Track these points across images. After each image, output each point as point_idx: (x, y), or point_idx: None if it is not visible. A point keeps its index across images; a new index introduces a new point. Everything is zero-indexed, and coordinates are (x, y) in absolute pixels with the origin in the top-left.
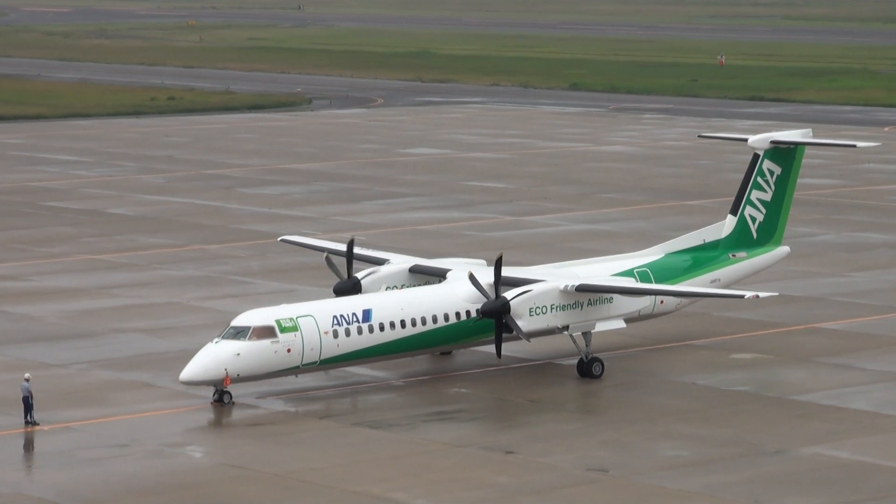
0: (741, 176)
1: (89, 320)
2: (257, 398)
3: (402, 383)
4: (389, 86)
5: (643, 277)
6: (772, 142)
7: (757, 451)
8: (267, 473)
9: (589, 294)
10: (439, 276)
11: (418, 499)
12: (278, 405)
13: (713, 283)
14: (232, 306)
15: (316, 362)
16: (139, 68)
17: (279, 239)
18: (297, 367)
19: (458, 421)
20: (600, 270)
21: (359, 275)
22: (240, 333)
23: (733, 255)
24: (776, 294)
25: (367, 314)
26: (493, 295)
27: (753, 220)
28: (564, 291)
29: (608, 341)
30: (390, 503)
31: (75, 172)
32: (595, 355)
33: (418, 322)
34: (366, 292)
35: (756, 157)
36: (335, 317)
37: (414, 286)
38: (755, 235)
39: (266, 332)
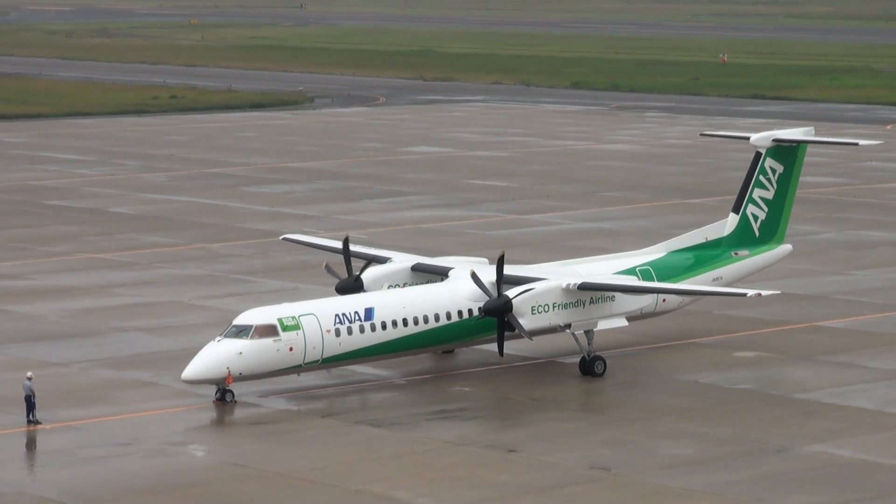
0: (743, 174)
1: (91, 319)
2: (259, 397)
3: (404, 382)
4: (391, 84)
5: (645, 276)
6: (774, 140)
7: (759, 450)
8: (269, 472)
9: (591, 292)
10: (441, 274)
11: (420, 497)
12: (280, 404)
13: (715, 281)
14: (234, 305)
15: (318, 361)
16: (141, 67)
17: (281, 237)
18: (300, 365)
19: (461, 419)
20: (602, 269)
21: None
22: (242, 332)
23: (735, 254)
24: (778, 292)
25: (369, 313)
26: (495, 293)
27: (756, 218)
28: (566, 290)
29: (610, 340)
30: (392, 502)
31: (77, 171)
32: (597, 354)
33: (420, 320)
34: (366, 283)
35: (758, 155)
36: (337, 315)
37: (416, 284)
38: (757, 234)
39: (268, 330)
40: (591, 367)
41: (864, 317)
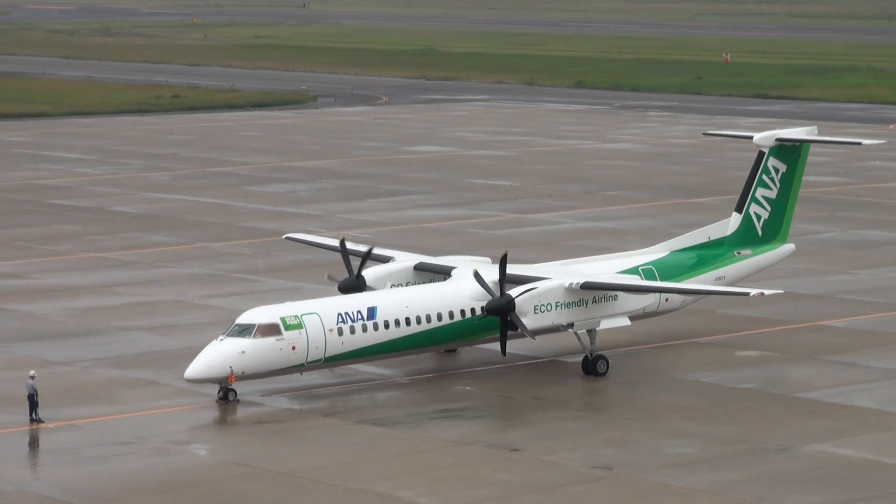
0: (746, 173)
1: (94, 318)
2: (262, 396)
3: (406, 381)
4: (394, 83)
5: (648, 275)
6: (777, 139)
7: (762, 449)
8: (271, 471)
9: (594, 292)
10: (444, 273)
11: (423, 497)
12: (283, 403)
13: (718, 280)
14: (237, 304)
15: (321, 360)
16: (144, 66)
17: (284, 237)
18: (302, 364)
19: (463, 419)
20: (605, 268)
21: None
22: (245, 331)
23: (738, 253)
24: (781, 291)
25: (371, 312)
26: (497, 293)
27: (758, 217)
28: (569, 289)
29: (613, 339)
30: (395, 501)
31: (80, 170)
32: (600, 353)
33: (423, 320)
34: (369, 282)
35: (761, 154)
36: (340, 314)
37: (418, 284)
38: (760, 233)
39: (271, 329)
40: (593, 366)
41: (866, 316)
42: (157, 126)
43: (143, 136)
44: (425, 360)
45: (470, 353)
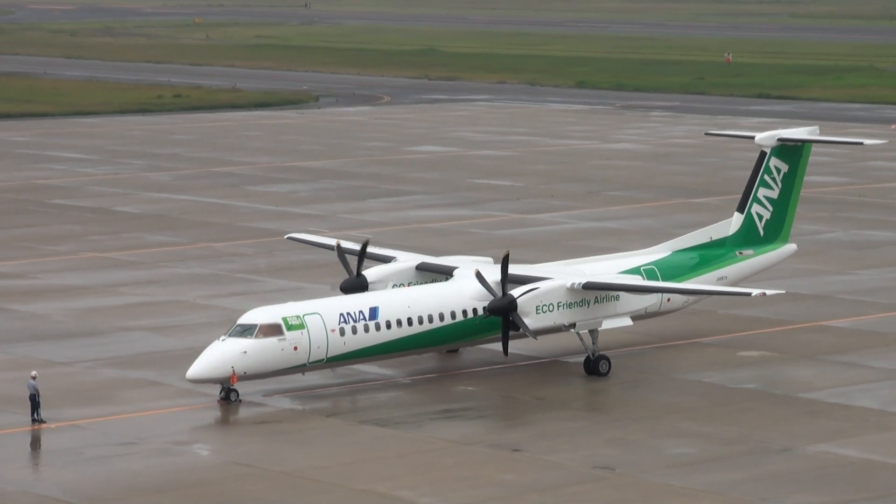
0: (748, 173)
1: (95, 318)
2: (264, 396)
3: (408, 381)
4: (396, 83)
5: (650, 275)
6: (779, 139)
7: (763, 449)
8: (273, 471)
9: (596, 292)
10: (446, 273)
11: (424, 497)
12: (285, 403)
13: (720, 280)
14: (238, 304)
15: (323, 360)
16: (145, 66)
17: (286, 237)
18: (304, 364)
19: (465, 419)
20: (607, 268)
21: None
22: (246, 331)
23: (740, 253)
24: (783, 292)
25: (373, 312)
26: (499, 293)
27: (760, 217)
28: (571, 289)
29: (615, 339)
30: (396, 501)
31: (81, 170)
32: (601, 353)
33: (425, 320)
34: (371, 282)
35: (763, 154)
36: (342, 314)
37: (420, 284)
38: (762, 233)
39: (273, 329)
40: (595, 366)
41: (868, 316)
42: (158, 126)
43: (144, 136)
44: (427, 360)
45: (472, 353)
